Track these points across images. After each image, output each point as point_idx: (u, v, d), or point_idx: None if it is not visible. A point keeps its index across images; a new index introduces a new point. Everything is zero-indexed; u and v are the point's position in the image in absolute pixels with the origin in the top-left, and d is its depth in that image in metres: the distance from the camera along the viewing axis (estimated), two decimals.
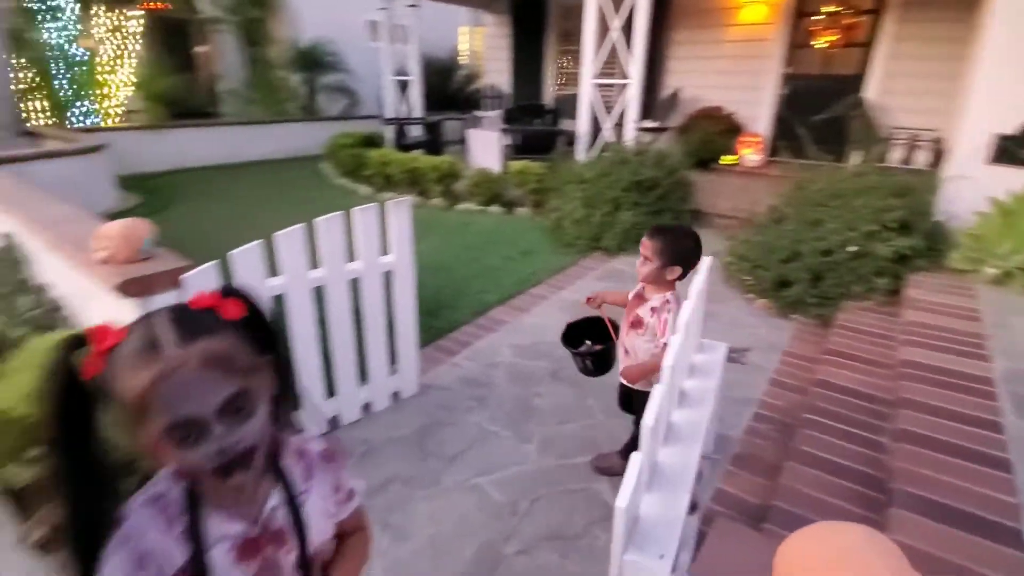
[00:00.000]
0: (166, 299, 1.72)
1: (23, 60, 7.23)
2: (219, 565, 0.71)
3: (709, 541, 0.82)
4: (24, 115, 7.12)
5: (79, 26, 7.65)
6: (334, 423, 2.32)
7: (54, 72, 7.38)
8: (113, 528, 0.67)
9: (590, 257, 4.49)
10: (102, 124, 7.95)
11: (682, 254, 1.74)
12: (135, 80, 8.40)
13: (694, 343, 1.47)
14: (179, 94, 8.92)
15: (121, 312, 1.74)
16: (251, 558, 0.73)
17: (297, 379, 0.78)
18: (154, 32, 9.36)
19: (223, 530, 0.72)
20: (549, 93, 8.81)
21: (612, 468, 2.07)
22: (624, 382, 1.92)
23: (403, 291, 2.38)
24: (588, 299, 2.00)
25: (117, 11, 7.83)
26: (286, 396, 0.75)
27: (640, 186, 4.71)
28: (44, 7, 7.36)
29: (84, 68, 7.71)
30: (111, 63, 8.11)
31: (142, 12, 8.30)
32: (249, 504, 0.74)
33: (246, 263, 1.81)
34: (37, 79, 7.26)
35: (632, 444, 2.02)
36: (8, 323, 2.25)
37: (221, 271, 1.78)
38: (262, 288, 1.91)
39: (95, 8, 7.62)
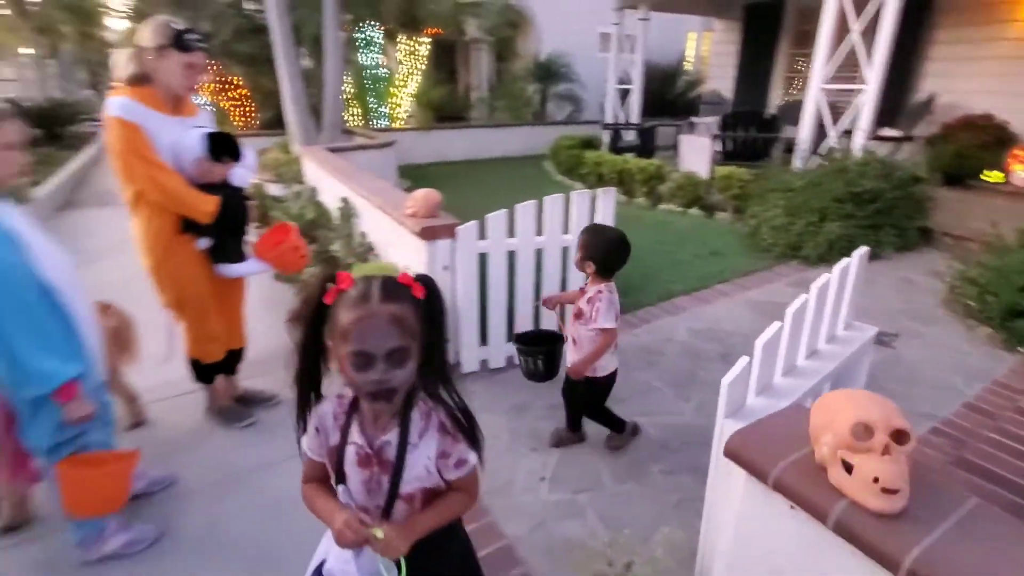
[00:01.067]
0: (446, 244, 2.53)
1: (347, 77, 9.71)
2: (348, 460, 0.96)
3: (773, 415, 1.15)
4: (346, 118, 9.60)
5: (385, 51, 9.92)
6: None
7: (367, 86, 9.72)
8: (318, 398, 0.99)
9: (786, 265, 4.42)
10: (391, 126, 10.18)
11: (597, 253, 1.94)
12: (415, 91, 10.52)
13: (838, 318, 1.65)
14: (443, 102, 10.88)
15: (417, 250, 2.61)
16: (364, 467, 0.96)
17: (444, 357, 0.96)
18: (431, 52, 11.54)
19: (355, 437, 0.96)
20: (775, 99, 8.39)
21: (562, 440, 2.28)
22: (569, 375, 2.11)
23: None
24: (544, 301, 2.24)
25: (412, 39, 9.90)
26: (432, 367, 0.93)
27: (857, 198, 4.43)
28: (364, 38, 9.73)
29: (385, 83, 9.97)
30: (404, 79, 10.29)
31: (429, 38, 10.32)
32: (374, 431, 0.96)
33: (495, 224, 2.54)
34: (355, 91, 9.66)
35: (570, 423, 2.27)
36: (346, 254, 3.42)
37: (479, 229, 2.53)
38: (501, 245, 2.62)
39: (398, 37, 9.76)
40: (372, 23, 9.34)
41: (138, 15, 9.13)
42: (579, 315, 2.05)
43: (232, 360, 2.42)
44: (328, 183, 4.75)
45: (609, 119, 8.73)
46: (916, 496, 0.87)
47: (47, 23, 15.54)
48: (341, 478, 0.98)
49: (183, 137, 1.99)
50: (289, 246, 2.22)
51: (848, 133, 5.30)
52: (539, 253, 2.73)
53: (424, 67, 10.56)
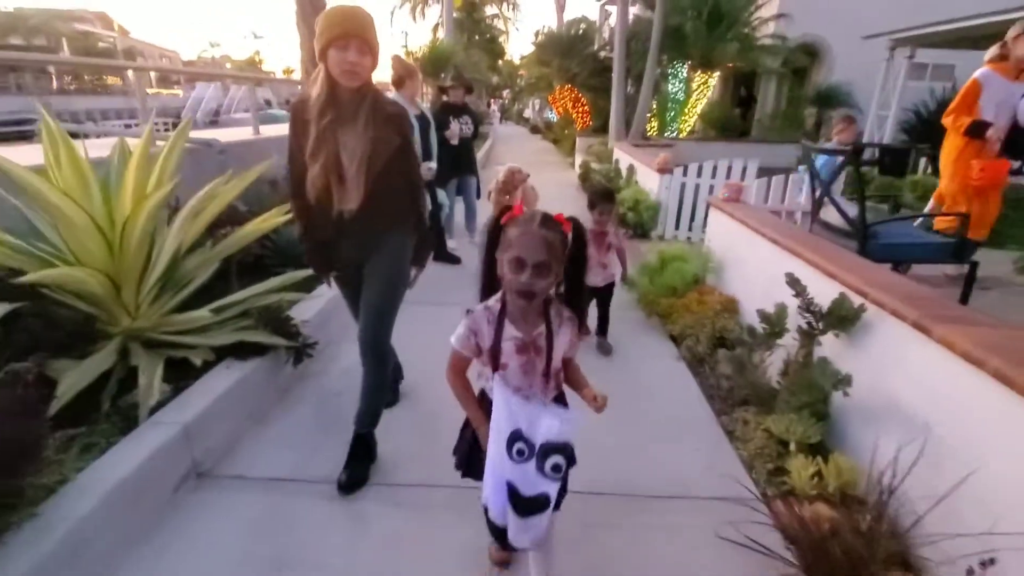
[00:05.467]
0: (667, 177, 5.69)
1: (654, 101, 13.15)
2: (506, 351, 1.28)
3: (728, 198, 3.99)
4: (647, 129, 13.13)
5: (687, 82, 13.00)
6: None
7: (667, 107, 13.03)
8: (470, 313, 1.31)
9: None
10: (679, 136, 13.27)
11: (615, 198, 3.26)
12: (702, 112, 13.31)
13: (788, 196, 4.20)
14: (725, 121, 13.34)
15: (656, 180, 5.85)
16: (521, 354, 1.28)
17: (581, 289, 1.34)
18: (725, 81, 14.03)
19: (512, 333, 1.27)
20: None
21: (605, 350, 3.10)
22: (594, 285, 3.00)
23: None
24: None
25: (707, 72, 12.73)
26: (570, 291, 1.33)
27: None
28: (672, 72, 12.98)
29: (680, 105, 13.10)
30: (695, 102, 13.24)
31: (719, 72, 12.96)
32: (528, 326, 1.29)
33: (691, 171, 5.60)
34: (658, 110, 13.07)
35: (602, 326, 3.17)
36: (624, 188, 6.86)
37: (683, 172, 5.63)
38: (692, 181, 5.63)
39: (697, 72, 12.72)
40: (680, 62, 12.56)
41: (539, 61, 14.45)
42: (609, 248, 3.06)
43: None
44: (625, 159, 8.30)
45: (865, 139, 9.95)
46: None
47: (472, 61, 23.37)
48: (496, 367, 1.28)
49: (1012, 95, 3.08)
50: None
51: None
52: (712, 187, 5.64)
53: (712, 93, 13.23)
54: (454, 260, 4.92)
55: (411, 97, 4.41)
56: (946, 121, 3.45)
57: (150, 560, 1.66)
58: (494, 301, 1.30)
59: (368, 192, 1.76)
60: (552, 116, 20.98)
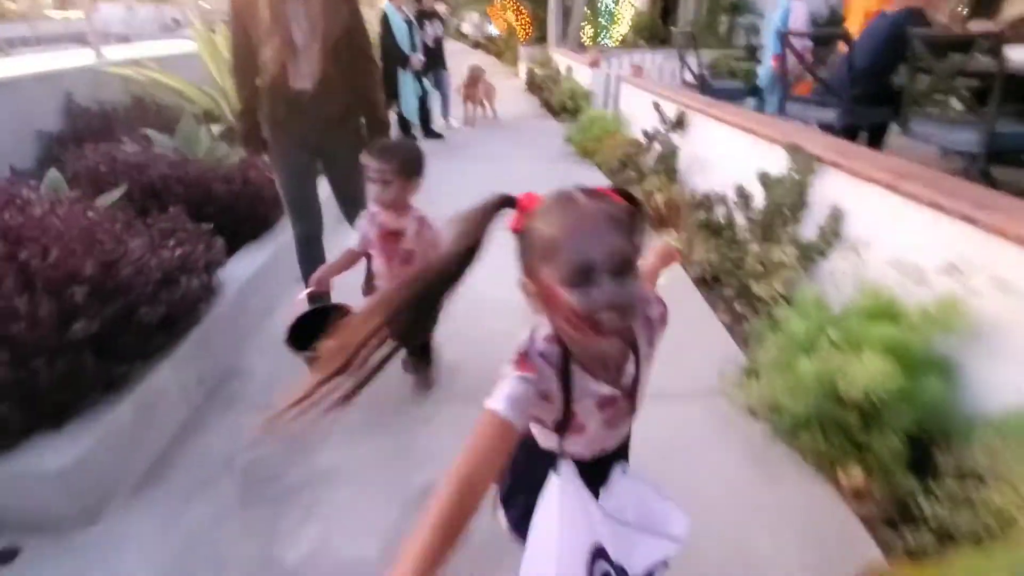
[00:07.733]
0: (597, 70, 7.26)
1: (587, 10, 14.23)
2: (583, 411, 0.80)
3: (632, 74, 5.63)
4: (581, 38, 14.31)
5: None
6: None
7: (600, 17, 14.20)
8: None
9: None
10: (612, 45, 14.55)
11: (420, 164, 1.66)
12: (631, 21, 14.58)
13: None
14: (652, 29, 14.70)
15: (587, 73, 7.41)
16: (608, 407, 0.82)
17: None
18: None
19: (591, 389, 0.79)
20: None
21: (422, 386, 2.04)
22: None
23: None
24: (310, 294, 1.79)
25: None
26: None
27: None
28: None
29: (612, 14, 14.29)
30: (624, 11, 14.43)
31: None
32: (614, 373, 0.81)
33: (614, 64, 7.19)
34: (590, 19, 14.22)
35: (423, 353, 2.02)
36: (558, 84, 8.36)
37: (607, 65, 7.23)
38: (613, 69, 7.24)
39: None
40: None
41: None
42: (410, 257, 1.74)
43: None
44: (564, 62, 9.71)
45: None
46: None
47: None
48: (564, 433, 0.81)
49: None
50: None
51: None
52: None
53: (640, 4, 14.47)
54: (438, 136, 6.40)
55: (399, 5, 5.68)
56: None
57: None
58: (544, 343, 0.76)
59: (323, 69, 1.77)
60: (493, 30, 21.38)
